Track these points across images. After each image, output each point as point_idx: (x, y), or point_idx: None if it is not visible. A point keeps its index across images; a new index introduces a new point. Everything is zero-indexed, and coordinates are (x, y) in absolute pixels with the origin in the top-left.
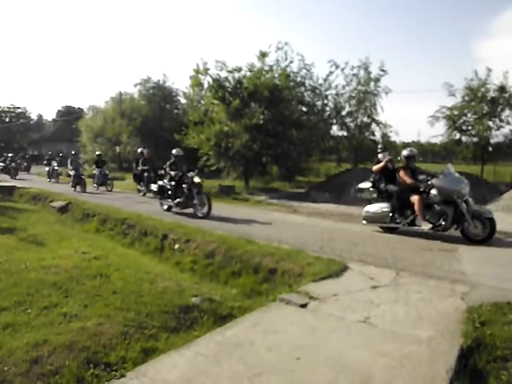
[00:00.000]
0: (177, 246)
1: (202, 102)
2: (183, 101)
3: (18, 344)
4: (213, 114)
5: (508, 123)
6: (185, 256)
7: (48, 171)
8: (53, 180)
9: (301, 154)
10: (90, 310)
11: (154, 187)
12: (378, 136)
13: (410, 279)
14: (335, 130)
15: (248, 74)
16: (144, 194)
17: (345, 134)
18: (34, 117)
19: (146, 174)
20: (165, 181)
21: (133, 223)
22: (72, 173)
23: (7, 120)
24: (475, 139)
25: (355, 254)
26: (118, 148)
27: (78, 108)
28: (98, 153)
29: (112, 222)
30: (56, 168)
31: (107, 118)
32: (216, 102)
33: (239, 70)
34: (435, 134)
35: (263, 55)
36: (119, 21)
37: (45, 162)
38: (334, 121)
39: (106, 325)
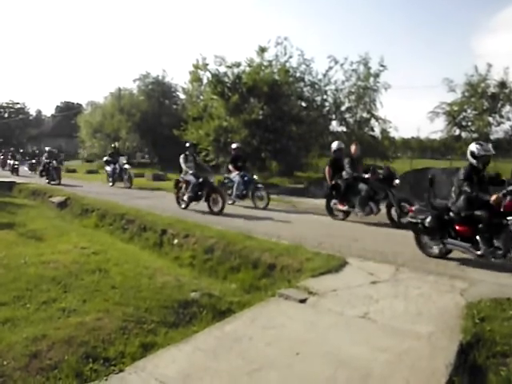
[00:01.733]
0: (176, 241)
1: (201, 97)
2: (182, 96)
3: (17, 339)
4: (212, 110)
5: (508, 119)
6: (184, 251)
7: (113, 171)
8: (123, 185)
9: (300, 149)
10: (89, 304)
11: (426, 220)
12: (377, 131)
13: (410, 275)
14: (334, 125)
15: (247, 69)
16: (345, 217)
17: (344, 129)
18: (32, 112)
19: (363, 187)
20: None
21: (132, 218)
22: (190, 179)
23: (6, 116)
24: (475, 135)
25: (354, 250)
26: (116, 144)
27: (77, 103)
28: (234, 145)
29: (111, 217)
30: (127, 167)
31: (106, 114)
32: (215, 97)
33: (238, 65)
34: (435, 129)
35: (262, 50)
36: (118, 15)
37: (105, 159)
38: (334, 116)
39: (105, 320)
